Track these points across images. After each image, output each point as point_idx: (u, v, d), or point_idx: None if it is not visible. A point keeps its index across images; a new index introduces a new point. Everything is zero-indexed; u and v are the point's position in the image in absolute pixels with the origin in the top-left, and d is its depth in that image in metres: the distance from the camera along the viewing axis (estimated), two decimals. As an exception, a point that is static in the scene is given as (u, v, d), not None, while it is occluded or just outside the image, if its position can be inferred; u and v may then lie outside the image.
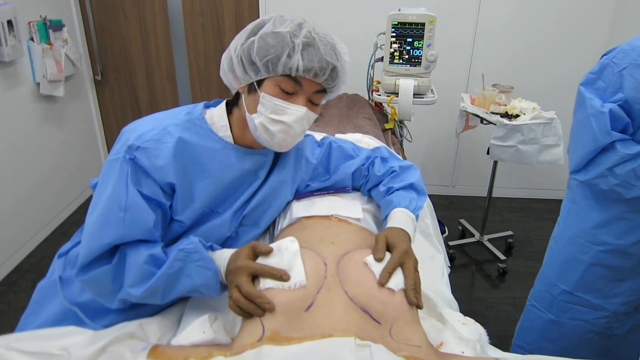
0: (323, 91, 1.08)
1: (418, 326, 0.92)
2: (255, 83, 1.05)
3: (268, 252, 0.97)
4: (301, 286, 0.91)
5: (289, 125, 1.05)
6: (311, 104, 1.08)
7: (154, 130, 1.01)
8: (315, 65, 1.00)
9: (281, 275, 0.92)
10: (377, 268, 0.96)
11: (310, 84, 1.04)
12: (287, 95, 1.04)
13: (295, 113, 1.05)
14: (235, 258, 0.99)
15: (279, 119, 1.04)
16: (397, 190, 1.27)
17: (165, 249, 1.01)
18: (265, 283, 0.92)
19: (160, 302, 0.99)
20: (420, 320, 0.95)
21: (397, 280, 0.94)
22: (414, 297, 0.93)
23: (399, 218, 1.17)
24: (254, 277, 0.95)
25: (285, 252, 0.96)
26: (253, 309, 0.89)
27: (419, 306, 0.93)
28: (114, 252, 0.97)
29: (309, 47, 1.00)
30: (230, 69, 1.07)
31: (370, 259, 0.99)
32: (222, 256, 1.02)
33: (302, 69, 1.00)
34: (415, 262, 1.02)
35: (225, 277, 1.00)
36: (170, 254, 0.98)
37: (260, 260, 0.97)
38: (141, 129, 1.01)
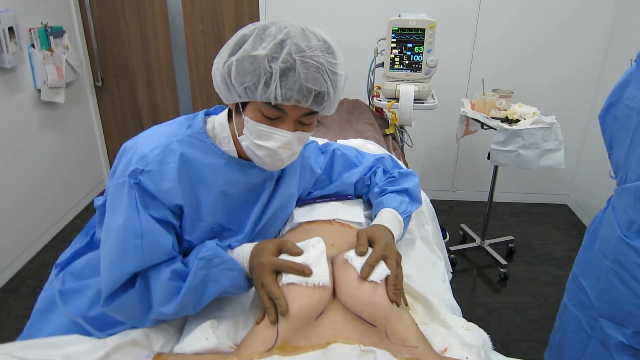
0: (312, 112, 0.99)
1: (408, 323, 0.92)
2: (240, 104, 1.00)
3: (298, 254, 0.96)
4: (323, 285, 0.90)
5: (274, 151, 0.99)
6: (301, 124, 1.01)
7: (156, 149, 0.97)
8: (295, 94, 0.91)
9: (303, 270, 0.91)
10: (358, 262, 0.95)
11: (295, 109, 0.96)
12: (271, 120, 0.97)
13: (281, 139, 0.98)
14: (258, 253, 0.98)
15: (263, 144, 0.98)
16: (390, 192, 1.27)
17: (184, 259, 1.00)
18: (287, 278, 0.91)
19: (193, 312, 0.98)
20: (410, 318, 0.94)
21: (379, 273, 0.94)
22: (393, 292, 0.92)
23: (384, 217, 1.17)
24: (277, 274, 0.95)
25: (312, 249, 0.96)
26: (272, 312, 0.88)
27: (397, 303, 0.92)
28: (135, 276, 0.95)
29: (289, 71, 0.90)
30: (218, 85, 1.01)
31: (351, 253, 0.98)
32: (243, 252, 1.02)
33: (281, 98, 0.91)
34: (398, 256, 1.01)
35: (249, 271, 0.99)
36: (190, 264, 0.97)
37: (284, 256, 0.96)
38: (143, 149, 0.97)
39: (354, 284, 0.92)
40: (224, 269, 0.97)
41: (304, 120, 1.00)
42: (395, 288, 0.93)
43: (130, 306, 0.93)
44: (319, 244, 0.98)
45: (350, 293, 0.92)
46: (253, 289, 1.05)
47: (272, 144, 0.98)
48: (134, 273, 0.93)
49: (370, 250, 0.99)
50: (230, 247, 1.05)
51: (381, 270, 0.94)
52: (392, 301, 0.91)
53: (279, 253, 0.98)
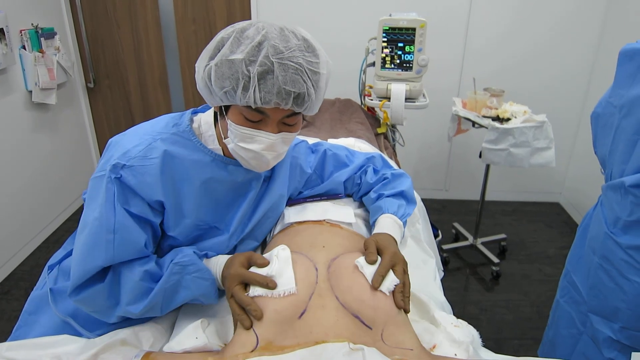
0: (295, 113, 0.98)
1: (409, 329, 0.93)
2: (222, 107, 0.99)
3: (263, 265, 0.96)
4: (290, 294, 0.91)
5: (259, 154, 0.99)
6: (285, 125, 1.00)
7: (140, 146, 0.98)
8: (274, 97, 0.90)
9: (267, 283, 0.92)
10: (368, 270, 0.97)
11: (276, 111, 0.95)
12: (254, 122, 0.97)
13: (265, 141, 0.97)
14: (229, 266, 0.99)
15: (248, 147, 0.98)
16: (387, 197, 1.27)
17: (159, 260, 1.00)
18: (254, 291, 0.92)
19: (160, 314, 0.99)
20: (411, 323, 0.95)
21: (389, 283, 0.95)
22: (401, 300, 0.94)
23: (386, 224, 1.18)
24: (246, 285, 0.95)
25: (276, 259, 0.96)
26: (244, 318, 0.89)
27: (405, 310, 0.94)
28: (106, 270, 0.95)
29: (267, 74, 0.89)
30: (201, 89, 1.00)
31: (361, 260, 0.99)
32: (218, 262, 1.03)
33: (260, 102, 0.90)
34: (405, 264, 1.02)
35: (221, 282, 1.00)
36: (164, 267, 0.97)
37: (253, 269, 0.97)
38: (126, 145, 0.98)
39: (364, 291, 0.93)
40: (197, 277, 0.97)
41: (287, 121, 0.99)
42: (403, 295, 0.95)
43: (97, 299, 0.94)
44: (283, 252, 0.98)
45: (355, 296, 0.93)
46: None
47: (256, 147, 0.98)
48: (104, 267, 0.94)
49: (379, 259, 1.00)
50: (207, 256, 1.06)
51: (391, 280, 0.96)
52: (400, 307, 0.93)
53: (249, 265, 0.98)
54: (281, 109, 0.94)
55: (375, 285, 0.94)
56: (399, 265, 1.00)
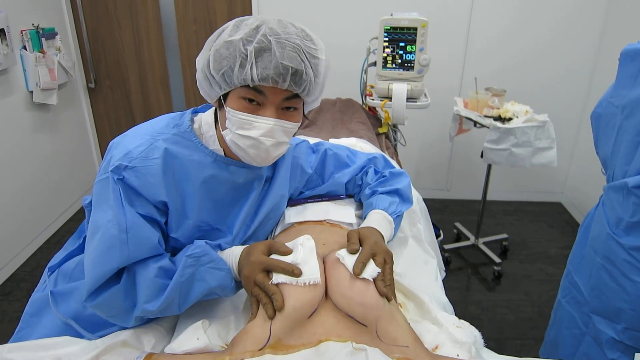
0: (295, 96, 0.98)
1: (400, 324, 0.92)
2: (221, 98, 0.99)
3: (286, 253, 0.96)
4: (314, 283, 0.91)
5: (257, 140, 0.97)
6: (285, 111, 0.99)
7: (141, 146, 0.97)
8: (271, 72, 0.90)
9: (292, 270, 0.91)
10: (350, 261, 0.96)
11: (275, 92, 0.94)
12: (254, 106, 0.96)
13: (263, 126, 0.96)
14: (249, 253, 0.98)
15: (246, 134, 0.97)
16: (381, 194, 1.27)
17: (173, 258, 1.00)
18: (277, 277, 0.91)
19: (178, 312, 0.97)
20: (402, 317, 0.95)
21: (371, 271, 0.94)
22: (383, 287, 0.92)
23: (374, 219, 1.17)
24: (268, 272, 0.95)
25: (301, 248, 0.96)
26: (270, 307, 0.88)
27: (387, 297, 0.93)
28: (120, 272, 0.94)
29: (264, 52, 0.90)
30: (200, 83, 1.01)
31: (342, 252, 0.99)
32: (233, 253, 1.02)
33: (258, 77, 0.90)
34: (387, 254, 1.02)
35: (237, 272, 0.99)
36: (178, 262, 0.96)
37: (275, 257, 0.96)
38: (127, 145, 0.97)
39: (346, 283, 0.93)
40: (212, 268, 0.96)
41: (287, 104, 0.98)
42: (384, 283, 0.94)
43: (114, 302, 0.93)
44: (307, 241, 0.98)
45: (341, 293, 0.92)
46: (241, 290, 1.04)
47: (255, 133, 0.97)
48: (119, 269, 0.93)
49: (361, 249, 1.00)
50: (221, 247, 1.05)
51: (372, 269, 0.95)
52: (382, 295, 0.92)
53: (269, 253, 0.98)
54: (279, 89, 0.94)
55: (356, 272, 0.92)
56: (380, 255, 0.99)
